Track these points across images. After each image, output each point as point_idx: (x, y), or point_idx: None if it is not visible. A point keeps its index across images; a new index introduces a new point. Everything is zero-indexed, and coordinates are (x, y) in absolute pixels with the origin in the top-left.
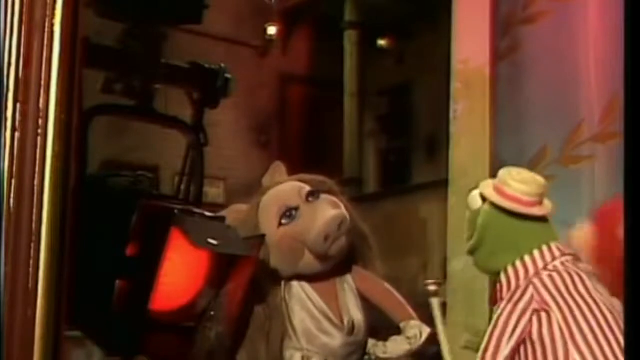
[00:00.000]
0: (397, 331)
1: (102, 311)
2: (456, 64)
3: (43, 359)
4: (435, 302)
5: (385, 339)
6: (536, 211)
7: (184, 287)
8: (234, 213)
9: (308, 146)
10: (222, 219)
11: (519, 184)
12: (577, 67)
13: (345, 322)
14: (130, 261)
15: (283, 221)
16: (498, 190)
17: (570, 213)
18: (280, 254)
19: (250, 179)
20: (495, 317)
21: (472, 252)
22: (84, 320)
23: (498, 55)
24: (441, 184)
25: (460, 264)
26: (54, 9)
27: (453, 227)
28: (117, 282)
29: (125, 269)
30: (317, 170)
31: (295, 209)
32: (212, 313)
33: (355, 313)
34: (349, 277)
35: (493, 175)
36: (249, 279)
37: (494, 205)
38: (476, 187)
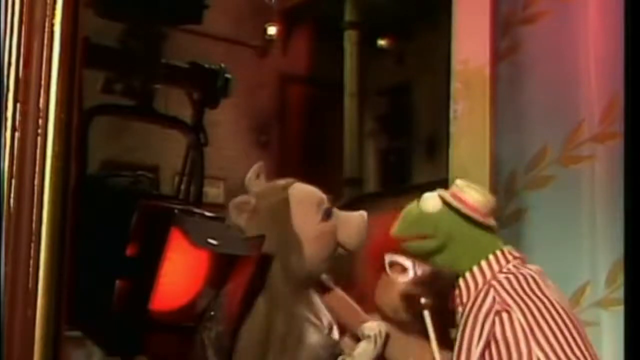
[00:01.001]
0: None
1: (102, 311)
2: (456, 64)
3: (43, 359)
4: (427, 314)
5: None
6: (491, 222)
7: (184, 287)
8: (265, 199)
9: (308, 146)
10: (222, 219)
11: (478, 195)
12: (577, 67)
13: (325, 323)
14: (130, 261)
15: (325, 217)
16: (457, 198)
17: (570, 213)
18: (320, 249)
19: None
20: (462, 322)
21: (430, 254)
22: (84, 320)
23: (498, 55)
24: (441, 184)
25: None
26: (54, 9)
27: None
28: (117, 282)
29: (125, 269)
30: (317, 170)
31: (332, 209)
32: (212, 313)
33: (326, 314)
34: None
35: (493, 175)
36: (249, 279)
37: (455, 212)
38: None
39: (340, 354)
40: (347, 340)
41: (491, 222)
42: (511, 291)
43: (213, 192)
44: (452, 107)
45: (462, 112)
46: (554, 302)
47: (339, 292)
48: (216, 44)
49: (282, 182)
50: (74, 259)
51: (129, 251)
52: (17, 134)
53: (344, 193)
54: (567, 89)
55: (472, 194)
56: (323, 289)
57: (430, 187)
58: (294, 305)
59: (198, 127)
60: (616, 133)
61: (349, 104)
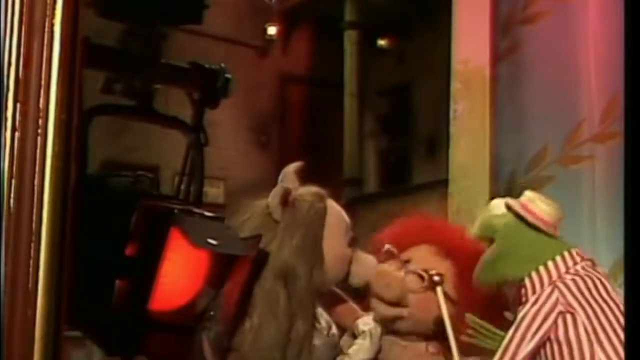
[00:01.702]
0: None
1: (102, 311)
2: (456, 64)
3: (43, 359)
4: (439, 291)
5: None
6: (557, 233)
7: (184, 287)
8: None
9: (308, 146)
10: (222, 219)
11: (545, 206)
12: (577, 67)
13: (323, 324)
14: (130, 261)
15: (351, 243)
16: (524, 207)
17: (570, 213)
18: (339, 271)
19: (250, 179)
20: (519, 317)
21: (489, 260)
22: (84, 320)
23: (498, 55)
24: (441, 184)
25: None
26: (54, 9)
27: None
28: (117, 282)
29: (125, 268)
30: (317, 170)
31: (356, 239)
32: (211, 313)
33: (324, 314)
34: None
35: (493, 175)
36: (246, 279)
37: (519, 219)
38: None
39: (339, 354)
40: (346, 339)
41: (557, 233)
42: (577, 293)
43: (213, 192)
44: (452, 107)
45: (462, 112)
46: (620, 305)
47: (335, 290)
48: (216, 44)
49: (316, 189)
50: (74, 259)
51: (129, 251)
52: (17, 134)
53: (344, 193)
54: (567, 89)
55: (540, 205)
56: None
57: (430, 187)
58: (312, 310)
59: (198, 127)
60: (616, 133)
61: (349, 104)
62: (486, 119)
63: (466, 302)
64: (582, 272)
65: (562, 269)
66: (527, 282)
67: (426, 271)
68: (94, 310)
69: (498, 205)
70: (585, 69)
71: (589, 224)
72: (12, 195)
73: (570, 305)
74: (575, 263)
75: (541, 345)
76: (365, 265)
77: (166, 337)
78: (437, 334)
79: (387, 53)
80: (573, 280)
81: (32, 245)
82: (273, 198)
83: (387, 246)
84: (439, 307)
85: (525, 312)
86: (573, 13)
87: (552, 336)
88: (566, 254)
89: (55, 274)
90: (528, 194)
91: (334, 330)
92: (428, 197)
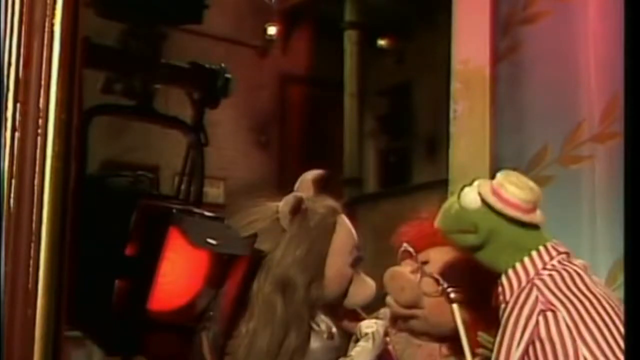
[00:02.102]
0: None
1: (102, 311)
2: (456, 64)
3: (43, 359)
4: (456, 308)
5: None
6: (535, 218)
7: (184, 287)
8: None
9: (308, 146)
10: (222, 219)
11: (518, 190)
12: (577, 67)
13: (323, 328)
14: (130, 261)
15: (354, 264)
16: (496, 193)
17: (570, 213)
18: (338, 289)
19: (250, 179)
20: (503, 321)
21: (473, 249)
22: (84, 320)
23: (498, 55)
24: (441, 184)
25: None
26: (54, 9)
27: None
28: (117, 282)
29: (124, 268)
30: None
31: (361, 259)
32: (211, 313)
33: (327, 320)
34: None
35: (493, 175)
36: (243, 279)
37: (494, 210)
38: (469, 185)
39: (340, 357)
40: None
41: (535, 217)
42: (555, 290)
43: (213, 192)
44: (452, 107)
45: (462, 112)
46: (600, 298)
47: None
48: (216, 43)
49: (331, 202)
50: (74, 259)
51: (129, 251)
52: (17, 134)
53: (344, 193)
54: (567, 89)
55: (512, 190)
56: None
57: (430, 187)
58: (307, 323)
59: (198, 127)
60: (616, 133)
61: (349, 104)
62: (486, 119)
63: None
64: (558, 266)
65: (539, 265)
66: (504, 280)
67: (442, 283)
68: (94, 310)
69: (468, 195)
70: (585, 69)
71: (589, 224)
72: (12, 195)
73: (550, 302)
74: (551, 258)
75: (528, 345)
76: (364, 289)
77: (166, 337)
78: (450, 335)
79: (387, 53)
80: (550, 276)
81: (32, 245)
82: (284, 205)
83: (404, 246)
84: (454, 321)
85: (508, 315)
86: (573, 13)
87: (535, 336)
88: (542, 248)
89: (55, 274)
90: (498, 178)
91: (335, 333)
92: (428, 197)
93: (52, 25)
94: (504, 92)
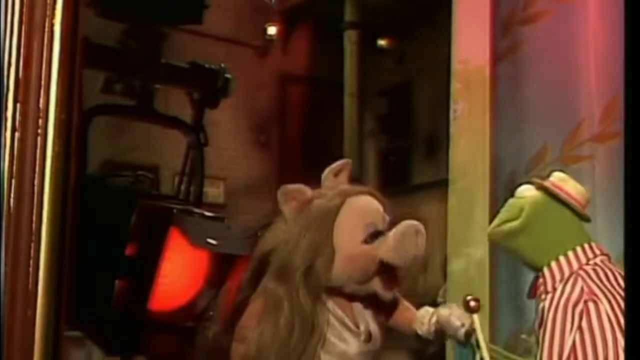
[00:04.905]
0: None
1: (102, 311)
2: (456, 64)
3: (43, 359)
4: (476, 318)
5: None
6: (588, 212)
7: (184, 287)
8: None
9: (308, 146)
10: (222, 219)
11: (578, 185)
12: (577, 67)
13: (362, 329)
14: (130, 261)
15: (368, 240)
16: (558, 187)
17: None
18: (352, 269)
19: (250, 179)
20: (550, 311)
21: (511, 234)
22: (84, 320)
23: (498, 55)
24: (441, 184)
25: (460, 264)
26: (54, 9)
27: (453, 227)
28: (117, 282)
29: (124, 268)
30: (317, 170)
31: (381, 233)
32: (211, 313)
33: (371, 322)
34: None
35: (493, 175)
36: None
37: (551, 198)
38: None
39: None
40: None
41: (587, 213)
42: (599, 282)
43: (213, 192)
44: (452, 107)
45: (462, 112)
46: None
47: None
48: (216, 44)
49: (352, 188)
50: (74, 259)
51: (129, 251)
52: (17, 134)
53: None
54: (567, 88)
55: (572, 184)
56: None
57: (430, 187)
58: (315, 315)
59: (198, 127)
60: (616, 133)
61: (349, 104)
62: (486, 119)
63: None
64: (600, 264)
65: (583, 259)
66: (546, 271)
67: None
68: (94, 310)
69: (527, 189)
70: (585, 69)
71: (589, 223)
72: (12, 195)
73: (593, 293)
74: (595, 255)
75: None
76: (397, 242)
77: (166, 337)
78: None
79: (387, 53)
80: (594, 270)
81: (32, 245)
82: (280, 197)
83: None
84: (474, 329)
85: (556, 304)
86: (573, 13)
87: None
88: (586, 246)
89: (55, 274)
90: (558, 174)
91: (374, 334)
92: (428, 197)
93: (52, 25)
94: (504, 92)
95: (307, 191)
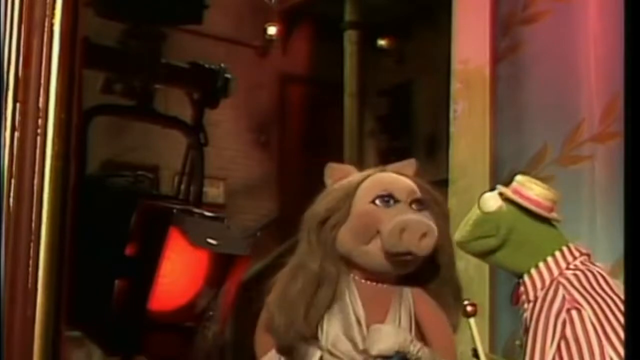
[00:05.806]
0: None
1: (102, 311)
2: (456, 64)
3: (43, 359)
4: (472, 322)
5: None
6: (555, 216)
7: (184, 287)
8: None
9: (308, 146)
10: (222, 218)
11: (539, 188)
12: (577, 67)
13: (404, 323)
14: (130, 261)
15: (377, 201)
16: (518, 193)
17: (570, 213)
18: (354, 227)
19: (250, 179)
20: (532, 321)
21: (489, 251)
22: (84, 320)
23: (498, 55)
24: (441, 184)
25: (461, 264)
26: (53, 8)
27: (453, 227)
28: (117, 282)
29: (124, 268)
30: (317, 170)
31: (396, 200)
32: (211, 313)
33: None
34: (408, 293)
35: (493, 175)
36: (242, 279)
37: (517, 207)
38: (483, 190)
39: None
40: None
41: (555, 216)
42: (581, 289)
43: (213, 192)
44: (452, 107)
45: (462, 112)
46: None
47: (445, 323)
48: (216, 44)
49: (369, 171)
50: (74, 258)
51: (129, 251)
52: (16, 134)
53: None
54: (567, 89)
55: (533, 188)
56: (423, 307)
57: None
58: (323, 272)
59: (198, 127)
60: (616, 133)
61: (349, 104)
62: (486, 119)
63: None
64: (582, 267)
65: (563, 264)
66: (526, 279)
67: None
68: (94, 310)
69: (492, 198)
70: (585, 69)
71: (589, 223)
72: (11, 195)
73: (576, 301)
74: (574, 258)
75: (559, 344)
76: (396, 225)
77: (166, 337)
78: None
79: (387, 53)
80: (575, 275)
81: (32, 245)
82: (326, 171)
83: None
84: (471, 336)
85: (537, 314)
86: (573, 13)
87: (561, 335)
88: (565, 249)
89: (55, 274)
90: (519, 179)
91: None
92: None
93: (51, 24)
94: (504, 92)
95: (353, 170)
